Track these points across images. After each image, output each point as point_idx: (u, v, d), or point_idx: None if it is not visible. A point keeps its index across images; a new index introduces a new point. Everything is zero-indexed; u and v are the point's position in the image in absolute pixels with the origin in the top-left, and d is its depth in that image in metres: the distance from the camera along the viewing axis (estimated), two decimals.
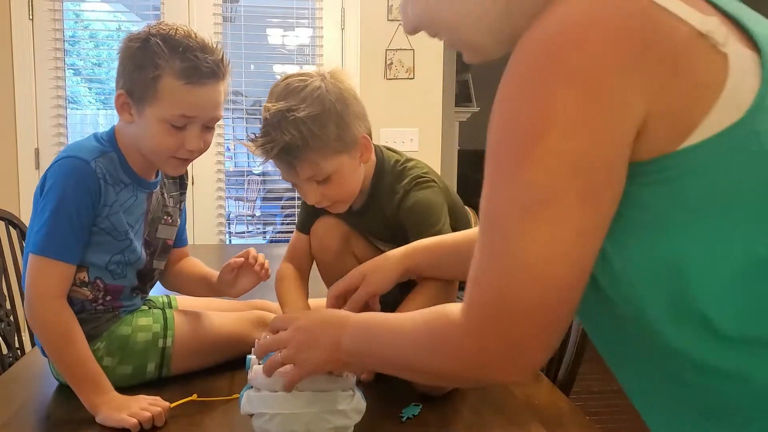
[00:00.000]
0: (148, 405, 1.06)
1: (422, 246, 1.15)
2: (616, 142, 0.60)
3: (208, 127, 1.19)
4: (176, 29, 1.16)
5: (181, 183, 1.36)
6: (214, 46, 1.18)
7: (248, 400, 0.95)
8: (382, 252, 1.25)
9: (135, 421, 1.02)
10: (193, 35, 1.16)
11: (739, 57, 0.61)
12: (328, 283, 1.41)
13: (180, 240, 1.38)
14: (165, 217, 1.30)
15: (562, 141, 0.59)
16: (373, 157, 1.29)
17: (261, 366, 0.93)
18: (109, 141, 1.19)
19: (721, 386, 0.63)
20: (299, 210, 1.44)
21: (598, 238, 0.62)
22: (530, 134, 0.61)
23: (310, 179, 1.20)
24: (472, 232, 1.11)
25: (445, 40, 0.80)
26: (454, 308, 0.70)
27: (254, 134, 1.19)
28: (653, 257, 0.62)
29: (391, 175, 1.28)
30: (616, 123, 0.59)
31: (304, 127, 1.13)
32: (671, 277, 0.62)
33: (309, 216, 1.40)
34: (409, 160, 1.31)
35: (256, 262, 1.30)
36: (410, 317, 0.78)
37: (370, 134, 1.25)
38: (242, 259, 1.30)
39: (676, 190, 0.61)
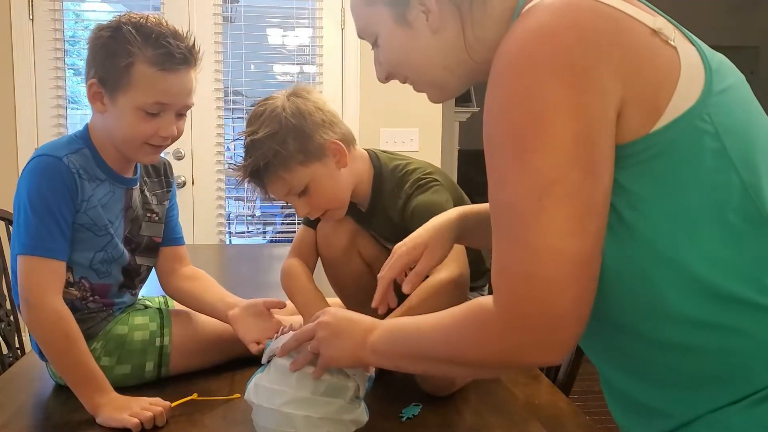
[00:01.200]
0: (149, 405, 1.06)
1: (470, 210, 1.12)
2: (605, 120, 0.67)
3: (181, 114, 1.20)
4: (147, 17, 1.17)
5: (165, 181, 1.35)
6: (185, 32, 1.20)
7: (255, 391, 0.95)
8: (389, 250, 1.24)
9: (136, 421, 1.02)
10: (164, 23, 1.18)
11: (685, 50, 0.71)
12: (332, 280, 1.41)
13: (174, 238, 1.36)
14: (149, 215, 1.29)
15: (560, 125, 0.66)
16: (365, 162, 1.31)
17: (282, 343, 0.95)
18: (83, 138, 1.19)
19: (722, 345, 0.69)
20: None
21: (604, 209, 0.69)
22: (530, 124, 0.67)
23: (288, 195, 1.24)
24: None
25: (414, 83, 0.89)
26: (487, 299, 0.74)
27: (235, 164, 1.26)
28: (635, 238, 0.70)
29: (391, 180, 1.30)
30: (602, 104, 0.67)
31: (264, 147, 1.19)
32: (654, 252, 0.69)
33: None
34: (409, 162, 1.32)
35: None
36: (442, 314, 0.81)
37: (345, 139, 1.26)
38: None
39: (648, 170, 0.69)
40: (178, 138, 1.21)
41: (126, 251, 1.24)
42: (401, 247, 1.07)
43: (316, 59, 3.26)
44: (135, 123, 1.15)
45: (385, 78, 0.91)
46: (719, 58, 0.75)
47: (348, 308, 1.35)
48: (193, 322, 1.29)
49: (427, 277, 1.12)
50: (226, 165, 1.30)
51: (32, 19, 2.98)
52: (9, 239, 1.82)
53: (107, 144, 1.19)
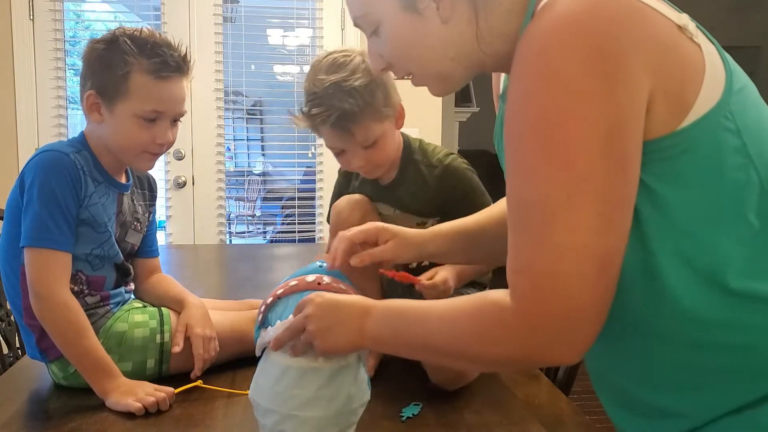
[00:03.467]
0: (153, 390, 1.11)
1: (445, 232, 1.10)
2: (636, 114, 0.65)
3: (175, 121, 1.25)
4: (140, 30, 1.21)
5: (150, 195, 1.39)
6: (177, 42, 1.24)
7: (257, 390, 0.91)
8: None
9: (140, 405, 1.07)
10: (157, 34, 1.22)
11: (708, 48, 0.70)
12: None
13: (149, 250, 1.39)
14: (135, 223, 1.32)
15: (592, 118, 0.63)
16: (399, 134, 1.38)
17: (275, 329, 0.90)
18: (81, 143, 1.23)
19: (733, 342, 0.69)
20: (333, 193, 1.51)
21: (631, 205, 0.67)
22: (561, 115, 0.64)
23: (360, 145, 1.28)
24: (492, 212, 1.10)
25: (416, 76, 0.84)
26: (499, 294, 0.71)
27: (301, 109, 1.26)
28: (654, 236, 0.68)
29: (420, 152, 1.37)
30: (633, 97, 0.64)
31: (358, 95, 1.22)
32: (672, 250, 0.68)
33: (348, 181, 1.46)
34: (429, 143, 1.42)
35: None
36: (448, 306, 0.77)
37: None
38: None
39: (672, 168, 0.67)
40: (172, 144, 1.26)
41: (120, 251, 1.27)
42: (357, 231, 1.03)
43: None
44: (133, 131, 1.20)
45: (383, 70, 0.85)
46: (731, 59, 0.74)
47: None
48: None
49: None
50: (300, 110, 1.29)
51: (33, 20, 2.98)
52: None
53: (104, 150, 1.23)
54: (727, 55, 0.73)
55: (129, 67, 1.17)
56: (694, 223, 0.68)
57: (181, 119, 1.26)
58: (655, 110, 0.66)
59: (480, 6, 0.76)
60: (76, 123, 3.27)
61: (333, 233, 1.39)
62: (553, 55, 0.65)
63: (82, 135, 1.25)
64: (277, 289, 0.94)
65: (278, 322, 0.91)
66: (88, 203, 1.19)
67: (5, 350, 1.64)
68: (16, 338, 1.71)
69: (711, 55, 0.70)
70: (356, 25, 0.85)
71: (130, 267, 1.33)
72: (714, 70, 0.69)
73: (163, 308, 1.30)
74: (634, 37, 0.65)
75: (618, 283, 0.68)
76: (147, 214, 1.37)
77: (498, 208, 1.10)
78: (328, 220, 1.45)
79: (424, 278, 1.23)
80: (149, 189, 1.39)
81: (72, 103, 3.15)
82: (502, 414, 1.09)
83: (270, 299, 0.93)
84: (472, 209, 1.23)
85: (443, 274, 1.24)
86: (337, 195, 1.47)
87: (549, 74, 0.65)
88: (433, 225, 1.32)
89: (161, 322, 1.25)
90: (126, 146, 1.22)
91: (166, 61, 1.19)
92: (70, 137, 3.09)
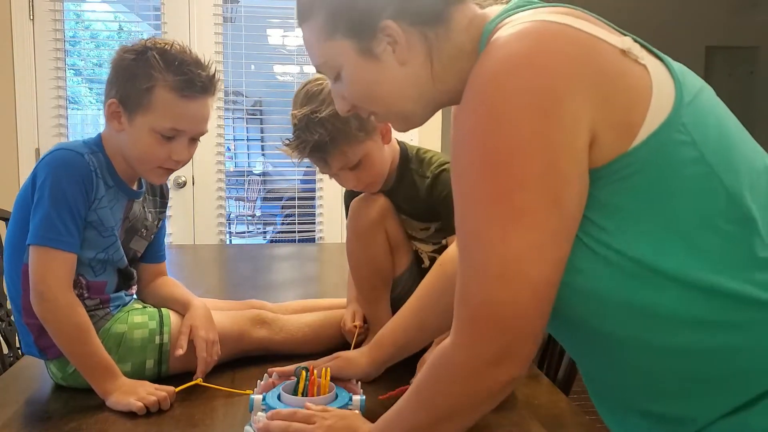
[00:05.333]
0: (154, 390, 1.11)
1: (386, 341, 1.16)
2: (575, 150, 0.67)
3: (194, 139, 1.23)
4: (171, 44, 1.20)
5: (162, 201, 1.38)
6: (206, 61, 1.23)
7: None
8: (411, 237, 1.40)
9: (141, 404, 1.07)
10: (188, 51, 1.21)
11: (654, 66, 0.72)
12: (353, 258, 1.42)
13: (157, 255, 1.38)
14: (141, 230, 1.31)
15: (530, 157, 0.67)
16: (396, 144, 1.40)
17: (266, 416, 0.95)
18: (97, 144, 1.22)
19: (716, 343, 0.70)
20: (344, 196, 1.53)
21: (568, 238, 0.70)
22: (500, 154, 0.67)
23: (343, 168, 1.30)
24: (430, 282, 1.14)
25: (378, 115, 0.87)
26: (444, 341, 0.75)
27: (287, 139, 1.30)
28: (622, 252, 0.70)
29: (416, 160, 1.39)
30: (572, 135, 0.67)
31: (328, 124, 1.23)
32: (641, 264, 0.70)
33: (353, 195, 1.47)
34: (428, 150, 1.42)
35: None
36: (415, 381, 0.81)
37: None
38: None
39: (630, 186, 0.69)
40: (188, 162, 1.25)
41: (125, 256, 1.26)
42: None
43: None
44: (150, 145, 1.19)
45: (348, 111, 0.89)
46: (681, 67, 0.75)
47: (361, 293, 1.40)
48: None
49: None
50: (282, 142, 1.31)
51: (33, 20, 2.98)
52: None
53: (119, 157, 1.22)
54: (677, 67, 0.74)
55: (153, 82, 1.16)
56: (661, 236, 0.69)
57: (200, 138, 1.24)
58: (601, 140, 0.68)
59: (434, 47, 0.80)
60: (76, 123, 3.27)
61: (352, 229, 1.41)
62: (494, 95, 0.68)
63: (99, 137, 1.24)
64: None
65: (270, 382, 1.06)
66: (98, 206, 1.18)
67: (5, 350, 1.64)
68: (16, 338, 1.71)
69: (658, 73, 0.72)
70: (319, 71, 0.89)
71: (134, 272, 1.32)
72: (661, 87, 0.71)
73: (162, 309, 1.29)
74: (574, 72, 0.67)
75: (598, 299, 0.72)
76: (157, 221, 1.36)
77: (428, 281, 1.14)
78: (347, 217, 1.47)
79: None
80: (161, 196, 1.38)
81: (72, 103, 3.15)
82: (502, 414, 1.09)
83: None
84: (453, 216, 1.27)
85: None
86: (350, 193, 1.48)
87: (488, 115, 0.68)
88: (436, 228, 1.33)
89: (161, 323, 1.25)
90: (141, 159, 1.21)
91: (192, 81, 1.18)
92: (70, 137, 3.12)
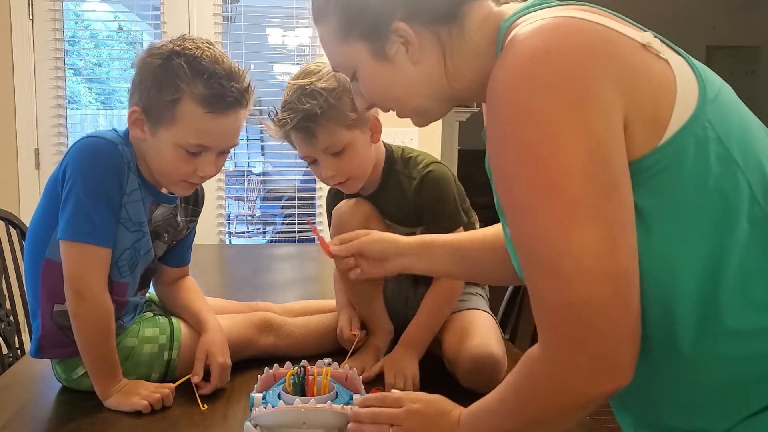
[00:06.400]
0: (155, 388, 1.10)
1: (440, 243, 1.12)
2: (614, 135, 0.66)
3: (223, 153, 1.16)
4: (203, 51, 1.10)
5: (194, 210, 1.32)
6: (240, 71, 1.12)
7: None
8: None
9: (146, 403, 1.07)
10: (220, 60, 1.10)
11: (676, 62, 0.71)
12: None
13: (182, 259, 1.34)
14: (164, 235, 1.26)
15: (572, 144, 0.64)
16: (382, 146, 1.37)
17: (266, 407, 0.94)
18: (126, 139, 1.15)
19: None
20: (326, 203, 1.49)
21: (631, 224, 0.66)
22: (541, 147, 0.65)
23: (326, 150, 1.26)
24: (487, 234, 1.10)
25: (397, 111, 0.88)
26: (533, 349, 0.72)
27: (274, 109, 1.25)
28: (650, 257, 0.67)
29: (401, 162, 1.36)
30: (608, 120, 0.65)
31: (321, 97, 1.21)
32: (664, 268, 0.68)
33: (336, 202, 1.44)
34: (413, 150, 1.40)
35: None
36: (505, 382, 0.78)
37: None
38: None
39: (658, 185, 0.67)
40: (216, 175, 1.18)
41: (153, 251, 1.22)
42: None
43: (316, 59, 3.26)
44: (174, 160, 1.12)
45: (367, 108, 0.91)
46: (701, 65, 0.74)
47: (353, 297, 1.39)
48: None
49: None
50: (267, 117, 1.27)
51: (32, 19, 2.98)
52: (9, 239, 1.82)
53: (142, 161, 1.16)
54: (698, 64, 0.73)
55: (180, 94, 1.07)
56: (688, 234, 0.67)
57: (229, 150, 1.16)
58: (632, 132, 0.67)
59: (447, 45, 0.80)
60: (76, 123, 3.27)
61: (335, 235, 1.38)
62: (521, 93, 0.66)
63: (127, 132, 1.15)
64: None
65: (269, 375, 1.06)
66: (127, 200, 1.12)
67: (5, 350, 1.64)
68: (16, 338, 1.71)
69: (680, 68, 0.70)
70: (335, 71, 0.91)
71: (155, 269, 1.28)
72: (685, 82, 0.69)
73: (174, 320, 1.26)
74: (599, 62, 0.66)
75: None
76: (185, 229, 1.31)
77: (491, 231, 1.09)
78: (329, 226, 1.44)
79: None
80: (194, 204, 1.31)
81: (71, 103, 3.15)
82: None
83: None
84: (441, 216, 1.29)
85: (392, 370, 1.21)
86: (333, 200, 1.45)
87: (520, 112, 0.66)
88: (421, 232, 1.32)
89: (171, 338, 1.22)
90: (164, 172, 1.14)
91: (223, 96, 1.08)
92: (69, 137, 3.11)
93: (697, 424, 0.73)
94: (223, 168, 3.16)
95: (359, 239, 1.12)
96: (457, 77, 0.81)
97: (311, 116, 1.21)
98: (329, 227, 1.43)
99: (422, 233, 1.31)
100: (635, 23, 0.74)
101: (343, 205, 1.38)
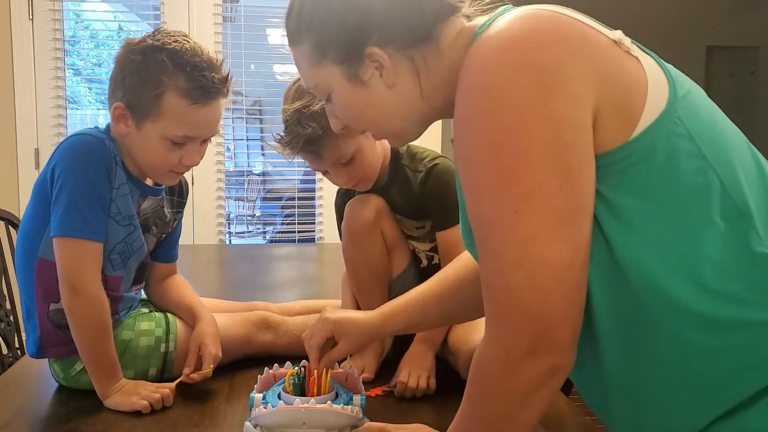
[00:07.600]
0: (155, 388, 1.10)
1: (404, 307, 1.07)
2: (579, 124, 0.66)
3: (205, 141, 1.20)
4: (182, 44, 1.12)
5: (179, 201, 1.34)
6: (219, 61, 1.16)
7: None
8: (407, 236, 1.37)
9: (146, 403, 1.07)
10: (199, 51, 1.14)
11: (646, 61, 0.72)
12: (349, 260, 1.39)
13: (170, 255, 1.35)
14: (152, 227, 1.27)
15: (531, 131, 0.65)
16: (385, 141, 1.36)
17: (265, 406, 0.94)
18: (108, 135, 1.17)
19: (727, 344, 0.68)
20: (336, 200, 1.49)
21: (584, 216, 0.67)
22: (502, 133, 0.66)
23: (335, 163, 1.28)
24: (451, 270, 1.08)
25: (372, 133, 0.89)
26: (483, 336, 0.72)
27: (279, 135, 1.28)
28: (621, 250, 0.68)
29: (407, 157, 1.37)
30: (575, 109, 0.66)
31: (320, 118, 1.20)
32: (637, 264, 0.68)
33: (346, 201, 1.44)
34: (417, 146, 1.40)
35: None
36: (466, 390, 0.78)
37: None
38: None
39: (629, 179, 0.68)
40: (199, 163, 1.21)
41: (145, 245, 1.23)
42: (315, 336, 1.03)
43: None
44: (160, 152, 1.15)
45: (342, 129, 0.90)
46: (672, 67, 0.75)
47: (359, 296, 1.39)
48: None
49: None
50: (274, 138, 1.30)
51: (32, 19, 2.98)
52: (9, 239, 1.82)
53: (126, 154, 1.18)
54: (667, 65, 0.74)
55: (163, 87, 1.10)
56: (660, 229, 0.68)
57: (210, 138, 1.20)
58: (604, 122, 0.67)
59: (421, 68, 0.80)
60: (76, 123, 3.27)
61: (348, 231, 1.37)
62: (491, 73, 0.67)
63: (108, 129, 1.18)
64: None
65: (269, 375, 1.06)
66: (116, 195, 1.14)
67: (5, 350, 1.64)
68: (16, 338, 1.71)
69: (651, 67, 0.72)
70: (310, 92, 0.89)
71: (149, 264, 1.28)
72: (656, 80, 0.70)
73: (169, 315, 1.27)
74: (572, 50, 0.67)
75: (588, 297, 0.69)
76: (173, 221, 1.32)
77: (459, 264, 1.06)
78: (338, 227, 1.43)
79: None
80: (179, 195, 1.33)
81: (71, 102, 3.15)
82: None
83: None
84: (446, 208, 1.28)
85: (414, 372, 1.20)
86: (342, 198, 1.46)
87: (488, 92, 0.67)
88: (431, 225, 1.33)
89: (167, 331, 1.23)
90: (150, 164, 1.17)
91: (206, 87, 1.11)
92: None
93: (676, 424, 0.73)
94: (223, 168, 3.18)
95: (338, 351, 1.03)
96: (432, 96, 0.81)
97: (314, 139, 1.23)
98: (338, 227, 1.44)
99: (432, 227, 1.34)
100: (604, 25, 0.75)
101: (354, 201, 1.40)
